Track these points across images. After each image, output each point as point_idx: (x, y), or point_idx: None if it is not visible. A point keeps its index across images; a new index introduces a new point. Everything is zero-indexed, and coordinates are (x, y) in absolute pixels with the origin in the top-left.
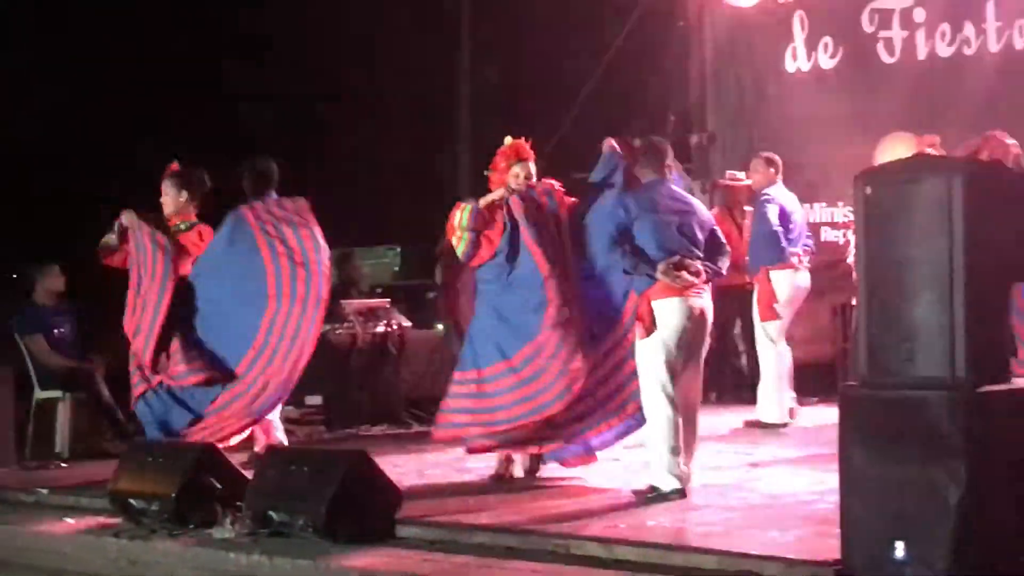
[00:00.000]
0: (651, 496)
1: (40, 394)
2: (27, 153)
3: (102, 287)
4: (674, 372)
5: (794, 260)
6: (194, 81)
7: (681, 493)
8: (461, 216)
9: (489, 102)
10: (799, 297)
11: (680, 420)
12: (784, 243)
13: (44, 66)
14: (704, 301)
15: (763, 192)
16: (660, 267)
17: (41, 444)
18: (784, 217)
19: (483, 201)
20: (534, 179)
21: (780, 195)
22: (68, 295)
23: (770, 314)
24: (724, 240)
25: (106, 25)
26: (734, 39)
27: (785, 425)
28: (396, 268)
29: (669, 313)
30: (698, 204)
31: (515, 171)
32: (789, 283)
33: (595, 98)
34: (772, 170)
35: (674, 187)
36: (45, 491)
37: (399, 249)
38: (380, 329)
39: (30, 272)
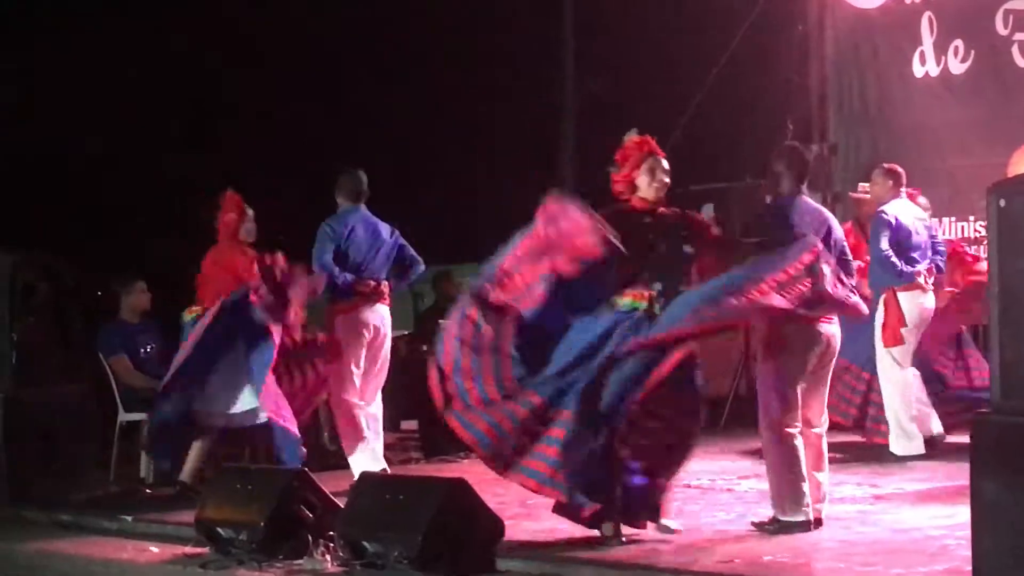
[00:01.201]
0: (772, 528)
1: (124, 416)
2: (98, 167)
3: (186, 304)
4: (798, 400)
5: (920, 280)
6: (310, 95)
7: (805, 526)
8: None
9: (594, 114)
10: (925, 320)
11: (803, 449)
12: (900, 265)
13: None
14: (833, 328)
15: (880, 209)
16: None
17: (125, 469)
18: (903, 235)
19: None
20: (668, 180)
21: (899, 211)
22: (153, 312)
23: (895, 339)
24: (851, 258)
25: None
26: (857, 43)
27: (920, 456)
28: None
29: (797, 340)
30: (834, 220)
31: (649, 165)
32: (914, 305)
33: (707, 107)
34: (891, 182)
35: (809, 200)
36: (129, 518)
37: None
38: None
39: (114, 288)
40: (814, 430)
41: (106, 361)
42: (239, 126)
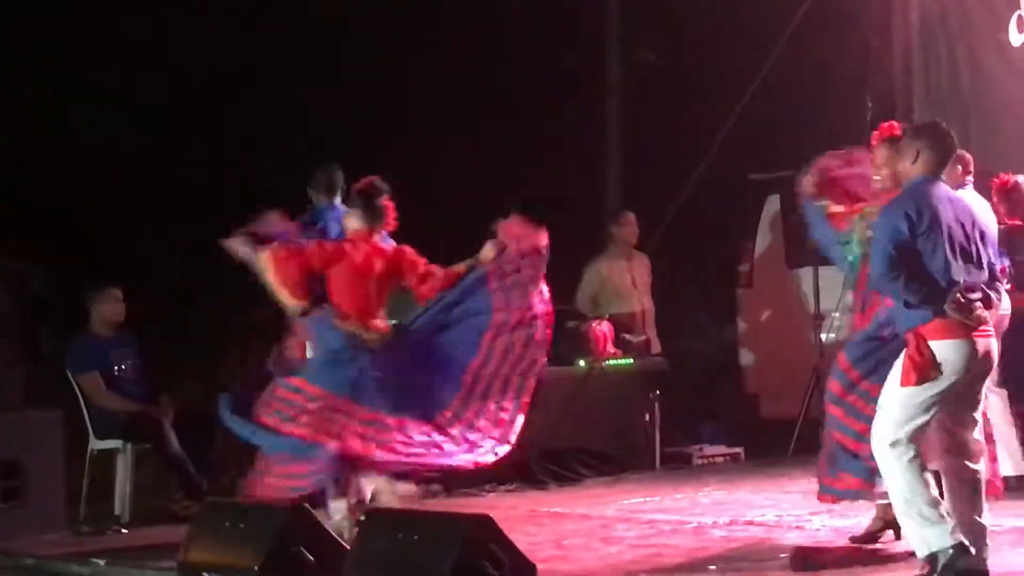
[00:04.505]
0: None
1: (96, 444)
2: (71, 166)
3: (169, 315)
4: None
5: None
6: (313, 82)
7: (963, 548)
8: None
9: (644, 90)
10: (1001, 325)
11: (928, 476)
12: None
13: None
14: (992, 341)
15: None
16: (951, 300)
17: (97, 504)
18: None
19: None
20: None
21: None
22: (128, 324)
23: None
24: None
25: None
26: (946, 8)
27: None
28: None
29: (954, 356)
30: (981, 207)
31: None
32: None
33: (773, 83)
34: (959, 169)
35: (945, 186)
36: (101, 562)
37: None
38: None
39: (85, 297)
40: (970, 464)
41: (75, 379)
42: (232, 115)
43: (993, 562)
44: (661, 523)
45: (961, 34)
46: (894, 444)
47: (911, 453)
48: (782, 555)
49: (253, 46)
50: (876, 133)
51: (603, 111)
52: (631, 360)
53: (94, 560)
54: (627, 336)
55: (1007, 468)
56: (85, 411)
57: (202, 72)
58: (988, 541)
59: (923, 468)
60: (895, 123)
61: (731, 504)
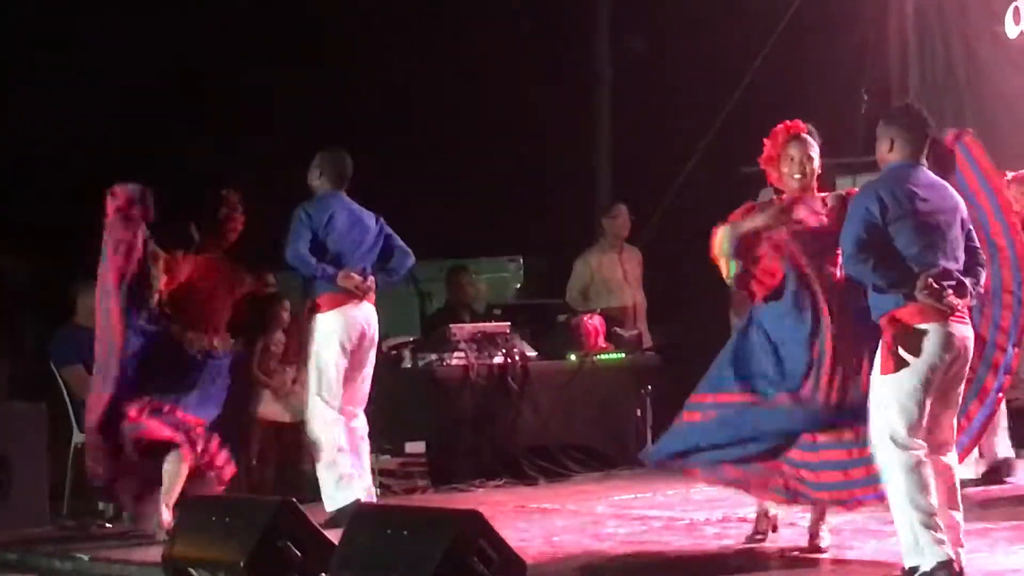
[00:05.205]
0: None
1: (80, 438)
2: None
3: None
4: (924, 417)
5: None
6: (293, 68)
7: (950, 565)
8: (720, 242)
9: (634, 81)
10: None
11: (932, 475)
12: None
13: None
14: (967, 329)
15: None
16: (921, 284)
17: (81, 499)
18: None
19: (747, 225)
20: (816, 164)
21: None
22: None
23: None
24: (979, 245)
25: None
26: (941, 0)
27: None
28: (518, 284)
29: (930, 341)
30: (956, 193)
31: (790, 153)
32: None
33: (767, 73)
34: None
35: (927, 171)
36: (85, 557)
37: (521, 260)
38: (498, 360)
39: (70, 289)
40: (945, 459)
41: (58, 372)
42: (223, 104)
43: (989, 560)
44: (652, 519)
45: (956, 26)
46: (899, 442)
47: (917, 455)
48: (775, 552)
49: (230, 33)
50: (782, 128)
51: (593, 102)
52: (622, 354)
53: (78, 555)
54: (618, 330)
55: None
56: (69, 404)
57: (183, 63)
58: (963, 539)
59: (927, 473)
60: (799, 121)
61: (723, 501)
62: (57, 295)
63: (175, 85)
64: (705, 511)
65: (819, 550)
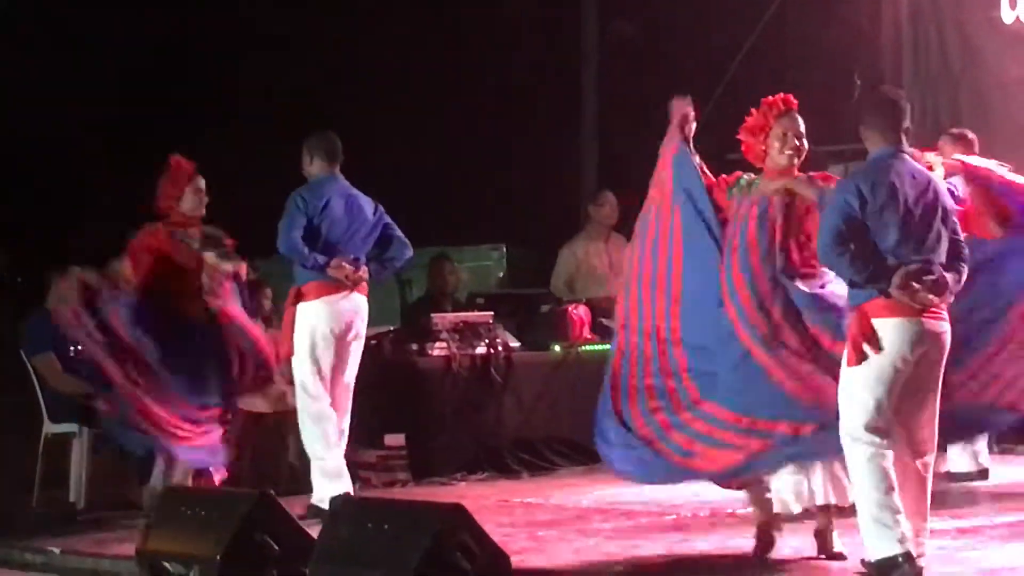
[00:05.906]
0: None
1: (51, 428)
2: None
3: None
4: (891, 411)
5: None
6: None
7: (908, 558)
8: None
9: (622, 65)
10: None
11: (893, 468)
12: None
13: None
14: (943, 324)
15: (949, 180)
16: (896, 281)
17: (52, 490)
18: None
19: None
20: (804, 142)
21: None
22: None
23: None
24: (962, 237)
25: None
26: None
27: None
28: (501, 273)
29: (895, 336)
30: (940, 184)
31: (782, 127)
32: None
33: (757, 58)
34: (960, 149)
35: (911, 160)
36: (56, 550)
37: (505, 249)
38: (480, 350)
39: (45, 275)
40: (920, 460)
41: (29, 360)
42: (201, 98)
43: (984, 558)
44: (639, 515)
45: (951, 11)
46: (855, 435)
47: (873, 448)
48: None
49: (202, 22)
50: (776, 100)
51: (579, 86)
52: (608, 345)
53: (49, 548)
54: (604, 321)
55: None
56: (40, 393)
57: (154, 51)
58: (925, 539)
59: (886, 467)
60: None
61: (711, 496)
62: (27, 285)
63: (154, 76)
64: (692, 508)
65: (838, 556)
